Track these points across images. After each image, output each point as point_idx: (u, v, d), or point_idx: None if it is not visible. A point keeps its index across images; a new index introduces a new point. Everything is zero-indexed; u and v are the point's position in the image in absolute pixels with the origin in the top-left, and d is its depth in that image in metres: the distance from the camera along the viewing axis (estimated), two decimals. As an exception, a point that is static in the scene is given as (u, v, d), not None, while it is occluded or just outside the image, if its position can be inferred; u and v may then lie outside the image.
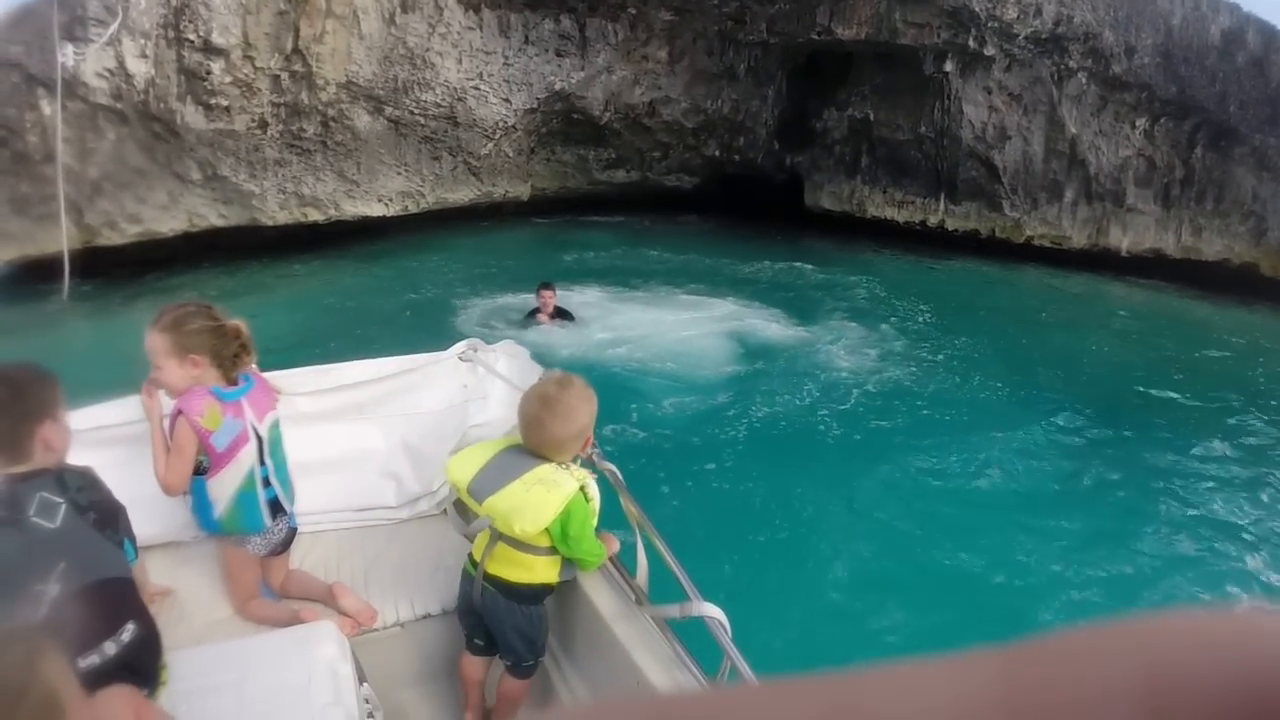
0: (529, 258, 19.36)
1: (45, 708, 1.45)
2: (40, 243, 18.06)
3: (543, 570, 2.82)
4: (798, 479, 8.27)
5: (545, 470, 2.69)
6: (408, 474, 3.94)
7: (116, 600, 2.36)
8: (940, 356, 12.89)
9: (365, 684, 2.72)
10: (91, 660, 2.16)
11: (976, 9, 18.03)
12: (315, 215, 19.66)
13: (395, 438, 3.99)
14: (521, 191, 22.46)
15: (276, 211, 19.32)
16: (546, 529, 2.67)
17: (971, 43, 18.87)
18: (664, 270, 17.36)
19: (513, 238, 21.08)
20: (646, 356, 11.40)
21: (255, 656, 2.60)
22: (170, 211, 18.79)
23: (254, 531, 3.12)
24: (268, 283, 17.49)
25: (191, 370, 2.90)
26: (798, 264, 18.91)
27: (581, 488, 2.72)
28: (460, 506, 3.02)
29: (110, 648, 2.25)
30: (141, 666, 2.34)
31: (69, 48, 16.56)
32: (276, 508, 3.16)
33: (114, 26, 16.65)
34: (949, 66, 19.64)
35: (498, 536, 2.77)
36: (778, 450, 9.10)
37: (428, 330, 11.52)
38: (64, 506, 2.24)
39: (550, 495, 2.62)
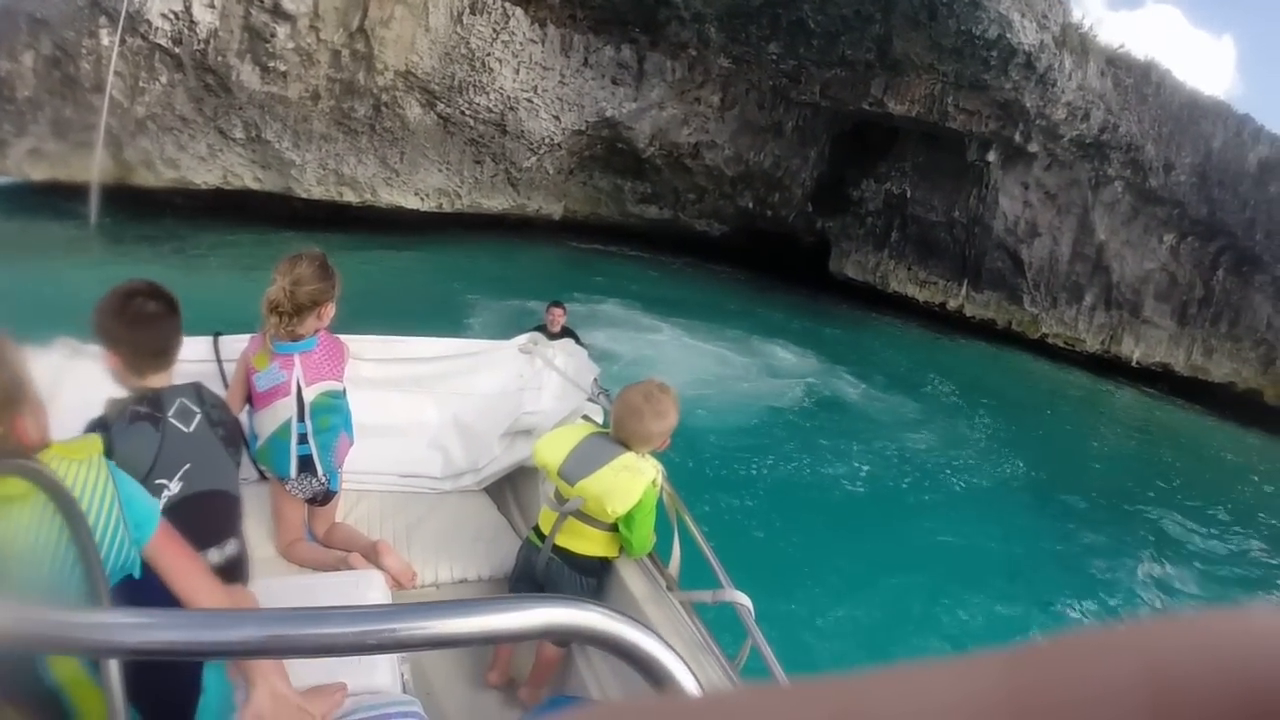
0: (555, 276, 19.74)
1: (9, 388, 1.64)
2: (73, 168, 18.23)
3: (605, 545, 3.16)
4: (809, 518, 8.89)
5: (629, 458, 3.04)
6: (456, 449, 4.30)
7: (226, 513, 2.69)
8: (946, 427, 13.41)
9: None
10: None
11: (1028, 105, 18.83)
12: (350, 196, 19.97)
13: (448, 414, 4.35)
14: (555, 210, 22.94)
15: (313, 185, 19.60)
16: None
17: (1017, 137, 19.66)
18: (686, 310, 17.80)
19: (540, 254, 21.48)
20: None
21: (311, 593, 2.85)
22: (208, 164, 19.01)
23: (280, 475, 3.44)
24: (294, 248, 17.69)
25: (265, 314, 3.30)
26: (822, 323, 19.45)
27: (653, 478, 3.08)
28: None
29: (214, 555, 2.54)
30: (232, 583, 2.54)
31: None
32: (307, 465, 3.45)
33: None
34: (992, 156, 20.43)
35: (569, 512, 3.09)
36: (792, 491, 9.66)
37: (441, 325, 11.86)
38: (199, 416, 2.58)
39: (635, 481, 2.99)
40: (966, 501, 10.53)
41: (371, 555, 3.45)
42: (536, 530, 3.28)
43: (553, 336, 11.16)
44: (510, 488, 4.50)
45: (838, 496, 9.86)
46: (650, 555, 3.26)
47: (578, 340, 12.02)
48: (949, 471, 11.37)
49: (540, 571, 3.19)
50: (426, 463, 4.21)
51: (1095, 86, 19.08)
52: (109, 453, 2.00)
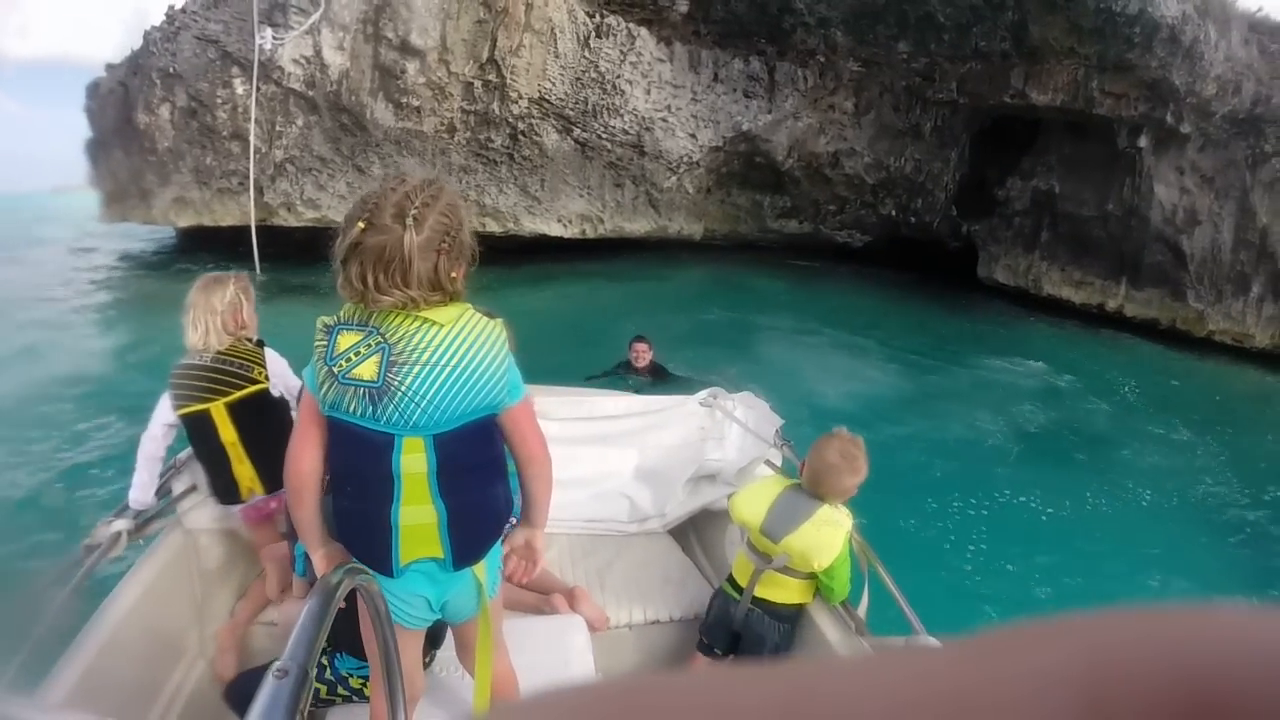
0: (702, 293, 20.59)
1: None
2: (216, 214, 20.13)
3: (803, 593, 3.51)
4: (997, 544, 8.77)
5: (827, 511, 3.35)
6: (641, 495, 4.77)
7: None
8: (1112, 442, 12.94)
9: (599, 675, 3.28)
10: None
11: (1176, 82, 18.71)
12: (493, 226, 21.20)
13: (633, 464, 4.85)
14: (695, 230, 23.80)
15: (455, 217, 20.85)
16: None
17: (1169, 118, 19.43)
18: (836, 321, 18.12)
19: (683, 272, 22.32)
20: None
21: (524, 634, 3.17)
22: (348, 202, 20.17)
23: None
24: None
25: None
26: (975, 329, 19.59)
27: (849, 528, 3.41)
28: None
29: None
30: (435, 631, 2.92)
31: (268, 32, 18.74)
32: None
33: (315, 17, 18.76)
34: (1143, 141, 20.22)
35: (776, 568, 3.43)
36: (977, 518, 9.49)
37: (606, 350, 11.89)
38: None
39: (836, 534, 3.31)
40: (1143, 526, 9.96)
41: (570, 599, 3.85)
42: (732, 581, 3.67)
43: (638, 372, 11.07)
44: (694, 530, 4.89)
45: (1026, 520, 9.62)
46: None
47: (667, 373, 12.01)
48: (1111, 493, 10.72)
49: (739, 621, 3.57)
50: (613, 508, 4.65)
51: (1241, 56, 18.82)
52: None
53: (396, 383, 2.15)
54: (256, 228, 19.75)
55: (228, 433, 3.77)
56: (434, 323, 2.17)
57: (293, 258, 20.21)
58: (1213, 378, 18.34)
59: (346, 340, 2.20)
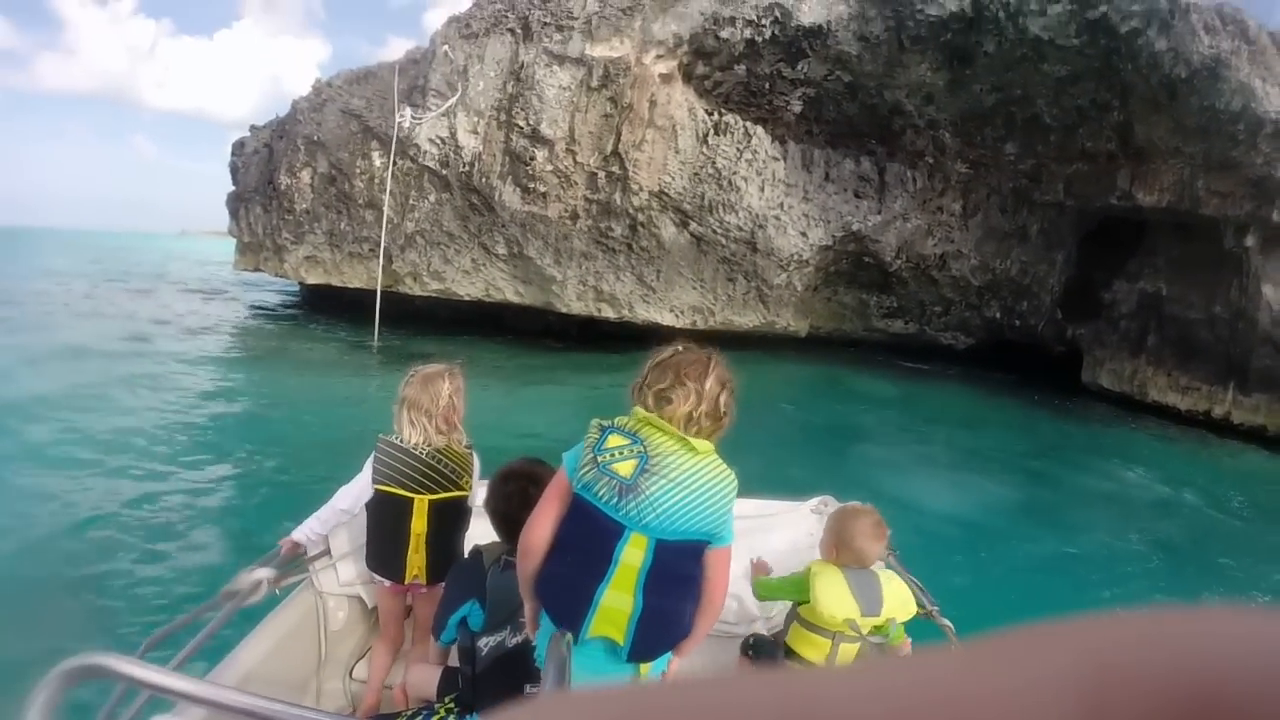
0: (808, 387, 21.21)
1: None
2: (345, 275, 21.34)
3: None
4: None
5: (885, 573, 3.81)
6: (751, 599, 4.91)
7: None
8: (1223, 551, 12.64)
9: None
10: None
11: None
12: (609, 312, 21.97)
13: (743, 566, 4.87)
14: (801, 327, 24.43)
15: (573, 300, 21.71)
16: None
17: (1275, 216, 19.68)
18: (941, 424, 18.51)
19: (788, 367, 22.70)
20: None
21: None
22: (471, 277, 21.47)
23: None
24: (559, 372, 19.27)
25: None
26: (1082, 438, 19.57)
27: None
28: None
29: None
30: None
31: (408, 111, 20.21)
32: None
33: (452, 101, 20.25)
34: (1250, 241, 20.46)
35: (859, 640, 3.67)
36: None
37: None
38: None
39: (902, 586, 3.77)
40: None
41: None
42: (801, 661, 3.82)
43: None
44: None
45: None
46: None
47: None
48: None
49: None
50: (724, 610, 4.67)
51: None
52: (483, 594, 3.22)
53: (644, 486, 2.55)
54: (381, 293, 20.45)
55: (419, 525, 3.96)
56: (692, 449, 2.61)
57: (409, 325, 20.95)
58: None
59: (615, 441, 2.64)
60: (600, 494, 2.57)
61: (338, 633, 4.27)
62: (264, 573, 3.59)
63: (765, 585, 4.20)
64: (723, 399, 2.70)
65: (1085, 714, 0.20)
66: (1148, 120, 20.11)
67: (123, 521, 9.00)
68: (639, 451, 2.61)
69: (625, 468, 2.58)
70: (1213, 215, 20.61)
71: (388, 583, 4.04)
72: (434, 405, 3.92)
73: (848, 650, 3.65)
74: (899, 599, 3.68)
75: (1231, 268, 21.27)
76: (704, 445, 2.64)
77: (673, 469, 2.58)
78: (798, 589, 3.86)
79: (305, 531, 4.04)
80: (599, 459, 2.60)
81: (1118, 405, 22.92)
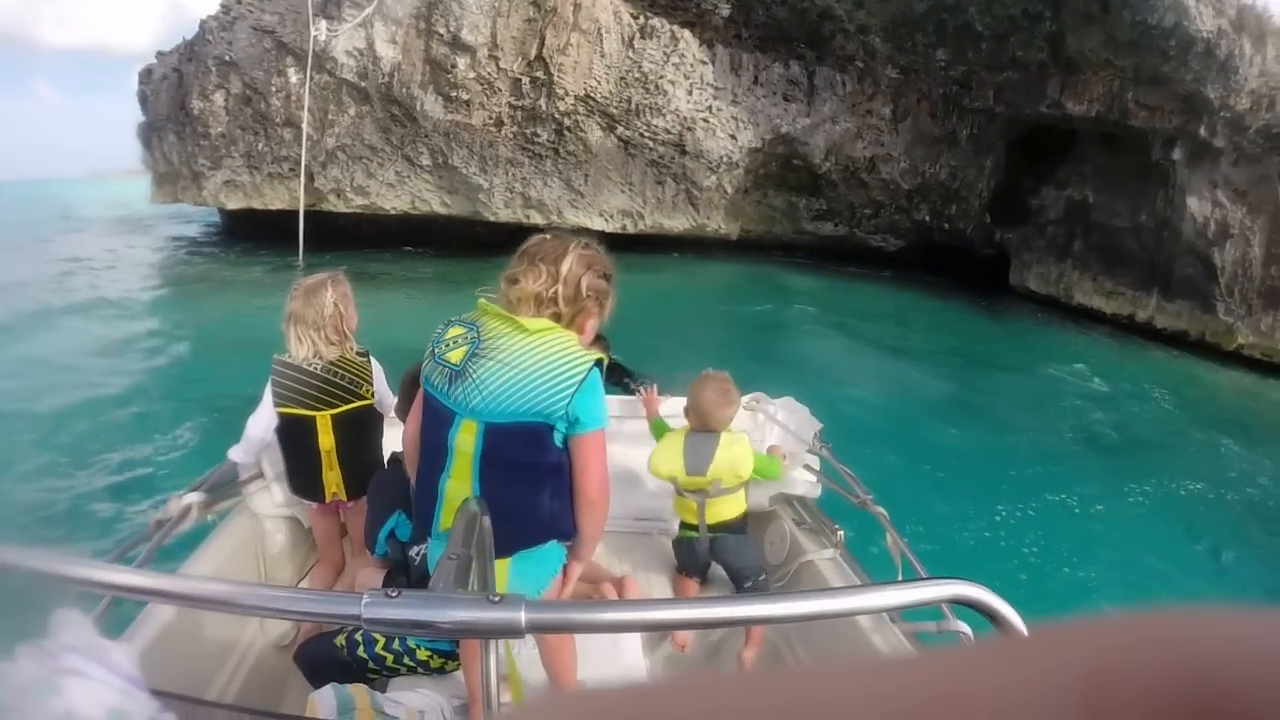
0: (737, 290, 21.27)
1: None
2: (265, 198, 21.25)
3: (739, 503, 4.13)
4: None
5: (727, 437, 4.01)
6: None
7: None
8: (1149, 445, 13.04)
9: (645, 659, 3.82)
10: None
11: (1211, 96, 19.01)
12: (537, 218, 21.98)
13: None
14: (731, 230, 24.54)
15: (500, 208, 21.78)
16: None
17: (1203, 131, 19.66)
18: (868, 321, 18.68)
19: (718, 270, 23.01)
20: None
21: None
22: (396, 190, 21.52)
23: None
24: (486, 280, 19.51)
25: None
26: (1010, 337, 19.98)
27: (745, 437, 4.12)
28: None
29: None
30: None
31: (323, 24, 19.74)
32: None
33: (368, 10, 19.74)
34: (1177, 154, 20.45)
35: (717, 494, 4.02)
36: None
37: (653, 345, 11.49)
38: None
39: (743, 446, 4.00)
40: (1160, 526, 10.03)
41: (618, 588, 4.03)
42: (684, 525, 4.23)
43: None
44: None
45: (1065, 518, 9.81)
46: (844, 553, 4.07)
47: (626, 372, 12.27)
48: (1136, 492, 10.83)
49: (704, 551, 4.17)
50: (659, 506, 4.86)
51: (1276, 71, 19.02)
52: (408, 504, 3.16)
53: (472, 370, 2.53)
54: (305, 213, 20.76)
55: (326, 440, 3.91)
56: (523, 329, 2.54)
57: (335, 245, 21.23)
58: (1243, 390, 18.53)
59: (454, 332, 2.65)
60: (436, 383, 2.60)
61: (276, 555, 4.27)
62: (193, 497, 3.59)
63: (657, 425, 4.48)
64: (585, 281, 2.60)
65: (1085, 714, 0.20)
66: (1079, 31, 19.69)
67: (51, 462, 9.06)
68: (472, 338, 2.60)
69: (456, 355, 2.58)
70: (1141, 127, 20.54)
71: (314, 504, 4.08)
72: (320, 316, 3.84)
73: (714, 507, 4.05)
74: (729, 462, 3.94)
75: (1158, 179, 21.29)
76: (540, 323, 2.56)
77: (502, 350, 2.54)
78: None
79: (241, 454, 4.05)
80: (435, 350, 2.64)
81: (1045, 306, 23.25)
